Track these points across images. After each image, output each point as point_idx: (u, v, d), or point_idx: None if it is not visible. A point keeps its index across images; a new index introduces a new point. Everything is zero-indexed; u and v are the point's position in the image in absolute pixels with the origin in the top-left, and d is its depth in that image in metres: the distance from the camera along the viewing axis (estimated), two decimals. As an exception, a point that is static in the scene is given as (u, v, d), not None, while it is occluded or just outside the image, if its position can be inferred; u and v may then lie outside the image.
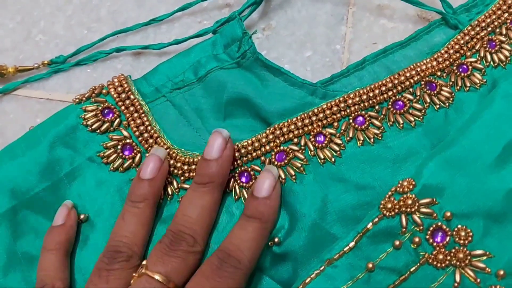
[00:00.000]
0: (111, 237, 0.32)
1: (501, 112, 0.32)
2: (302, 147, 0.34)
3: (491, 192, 0.29)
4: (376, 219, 0.30)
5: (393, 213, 0.30)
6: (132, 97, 0.36)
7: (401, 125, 0.34)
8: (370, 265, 0.29)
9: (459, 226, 0.29)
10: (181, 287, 0.30)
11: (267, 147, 0.34)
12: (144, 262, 0.30)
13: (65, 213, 0.33)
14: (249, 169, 0.34)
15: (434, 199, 0.30)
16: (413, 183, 0.30)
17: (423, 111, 0.35)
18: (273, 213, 0.32)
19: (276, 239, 0.32)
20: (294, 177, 0.34)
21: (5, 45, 0.42)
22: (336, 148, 0.34)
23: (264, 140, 0.34)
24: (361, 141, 0.34)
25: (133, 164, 0.35)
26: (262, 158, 0.34)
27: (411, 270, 0.29)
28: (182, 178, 0.34)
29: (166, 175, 0.34)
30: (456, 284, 0.28)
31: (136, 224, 0.32)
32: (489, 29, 0.37)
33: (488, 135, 0.31)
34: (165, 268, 0.30)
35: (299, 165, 0.34)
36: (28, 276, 0.34)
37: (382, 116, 0.35)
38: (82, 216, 0.34)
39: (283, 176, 0.34)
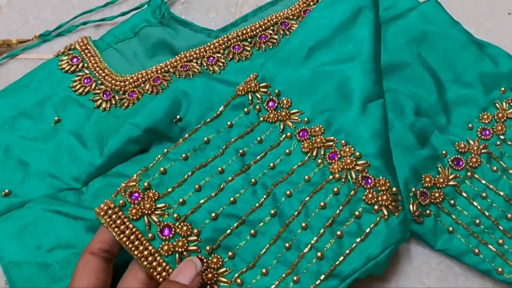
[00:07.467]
0: None
1: (307, 28, 0.48)
2: (199, 64, 0.52)
3: (301, 76, 0.46)
4: (233, 96, 0.47)
5: (243, 92, 0.47)
6: (90, 48, 0.55)
7: (264, 49, 0.52)
8: (229, 123, 0.46)
9: (283, 98, 0.46)
10: None
11: (175, 64, 0.52)
12: None
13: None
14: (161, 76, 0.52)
15: (269, 84, 0.47)
16: (256, 75, 0.47)
17: (278, 39, 0.52)
18: None
19: (178, 117, 0.48)
20: (191, 76, 0.51)
21: (12, 28, 0.62)
22: (221, 64, 0.52)
23: (173, 60, 0.52)
24: (237, 60, 0.52)
25: (91, 89, 0.53)
26: (171, 70, 0.52)
27: (255, 125, 0.45)
28: (121, 92, 0.52)
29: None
30: (281, 131, 0.45)
31: None
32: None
33: (300, 43, 0.48)
34: None
35: (196, 71, 0.51)
36: None
37: (252, 44, 0.53)
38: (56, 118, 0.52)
39: (183, 76, 0.51)
